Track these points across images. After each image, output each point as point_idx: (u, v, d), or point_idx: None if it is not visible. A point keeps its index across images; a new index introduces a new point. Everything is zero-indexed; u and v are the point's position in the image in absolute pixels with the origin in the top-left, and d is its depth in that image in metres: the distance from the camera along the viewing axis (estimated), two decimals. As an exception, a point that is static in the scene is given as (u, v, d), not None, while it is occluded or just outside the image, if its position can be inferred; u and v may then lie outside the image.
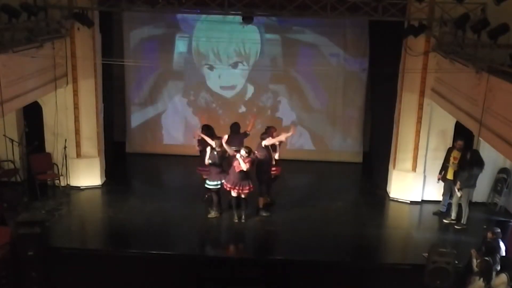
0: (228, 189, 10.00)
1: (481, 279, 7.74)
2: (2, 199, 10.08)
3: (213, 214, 10.32)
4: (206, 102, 13.79)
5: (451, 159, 10.42)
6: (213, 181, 10.10)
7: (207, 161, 9.96)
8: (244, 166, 9.73)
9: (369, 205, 11.46)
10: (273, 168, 10.52)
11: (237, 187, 9.91)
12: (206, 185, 10.21)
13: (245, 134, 10.94)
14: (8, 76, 8.29)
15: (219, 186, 10.14)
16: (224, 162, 10.21)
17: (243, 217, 10.20)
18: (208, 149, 9.99)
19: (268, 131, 10.54)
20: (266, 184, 10.45)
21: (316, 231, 10.14)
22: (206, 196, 10.59)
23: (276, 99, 13.76)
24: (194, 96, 13.78)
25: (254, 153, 10.08)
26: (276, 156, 10.43)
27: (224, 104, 13.79)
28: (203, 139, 10.38)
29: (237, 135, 10.91)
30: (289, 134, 10.33)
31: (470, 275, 8.00)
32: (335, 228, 10.31)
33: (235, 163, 9.79)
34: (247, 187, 9.95)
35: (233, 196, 10.05)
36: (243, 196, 10.05)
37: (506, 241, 8.66)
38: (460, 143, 10.39)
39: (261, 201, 10.50)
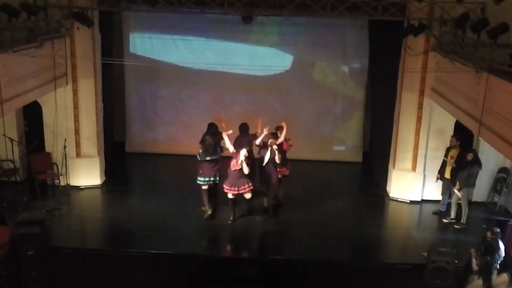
0: (226, 190, 9.93)
1: (480, 278, 7.75)
2: (2, 199, 10.09)
3: (203, 208, 10.28)
4: (207, 102, 13.80)
5: (449, 158, 10.44)
6: (204, 176, 10.03)
7: (198, 157, 9.95)
8: (246, 170, 9.69)
9: (369, 204, 11.46)
10: (279, 170, 10.47)
11: (235, 188, 9.86)
12: (197, 181, 10.17)
13: (254, 136, 10.87)
14: (8, 76, 8.29)
15: (210, 182, 10.09)
16: (218, 159, 10.15)
17: (256, 219, 10.19)
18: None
19: (277, 130, 10.53)
20: (270, 185, 10.33)
21: (315, 230, 10.15)
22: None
23: (276, 98, 13.76)
24: (195, 95, 13.78)
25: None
26: (277, 159, 10.38)
27: (225, 104, 13.78)
28: (204, 138, 10.37)
29: (245, 136, 10.89)
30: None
31: (470, 275, 8.02)
32: (335, 228, 10.32)
33: (232, 162, 9.75)
34: (246, 186, 9.90)
35: (229, 197, 10.00)
36: (246, 197, 10.02)
37: (505, 240, 8.67)
38: (452, 140, 10.43)
39: (265, 201, 10.47)
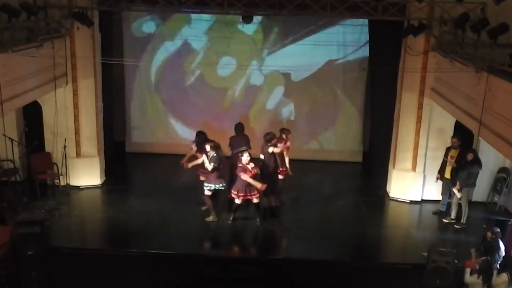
0: (234, 196, 9.89)
1: (480, 277, 7.75)
2: (2, 199, 10.08)
3: (211, 218, 10.23)
4: (206, 102, 13.79)
5: (449, 158, 10.45)
6: (211, 184, 10.00)
7: (210, 166, 9.76)
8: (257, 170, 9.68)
9: (369, 204, 11.46)
10: (281, 169, 10.52)
11: (245, 193, 9.80)
12: (204, 187, 10.11)
13: (248, 140, 10.86)
14: (8, 76, 8.29)
15: (214, 190, 10.06)
16: (223, 166, 10.09)
17: (258, 220, 10.14)
18: (204, 156, 9.91)
19: (280, 133, 10.51)
20: (271, 186, 10.31)
21: (316, 230, 10.15)
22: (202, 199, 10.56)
23: (276, 99, 13.76)
24: (194, 95, 13.78)
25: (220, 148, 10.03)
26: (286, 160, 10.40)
27: (224, 104, 13.79)
28: (201, 144, 10.32)
29: (241, 136, 10.86)
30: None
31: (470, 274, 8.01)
32: (335, 228, 10.32)
33: (241, 172, 9.67)
34: (255, 192, 9.87)
35: (236, 202, 9.95)
36: (254, 201, 9.98)
37: (505, 240, 8.68)
38: (454, 140, 10.42)
39: (266, 202, 10.41)
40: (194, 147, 10.46)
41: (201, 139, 10.49)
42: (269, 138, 10.12)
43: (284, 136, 10.71)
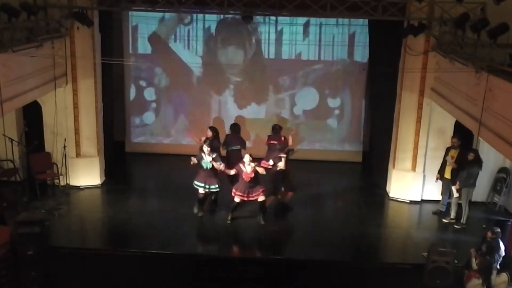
0: (234, 195, 9.91)
1: (479, 277, 7.76)
2: (1, 199, 10.06)
3: (195, 210, 10.31)
4: (206, 101, 13.79)
5: (449, 158, 10.44)
6: (202, 182, 10.07)
7: (221, 165, 9.87)
8: (262, 170, 9.71)
9: (369, 204, 11.46)
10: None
11: (248, 195, 9.83)
12: (195, 185, 10.18)
13: (242, 140, 10.98)
14: (8, 76, 8.29)
15: (207, 189, 10.12)
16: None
17: (261, 219, 10.14)
18: (208, 158, 9.94)
19: (275, 132, 10.51)
20: (275, 186, 10.38)
21: (316, 230, 10.15)
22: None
23: (276, 99, 13.76)
24: (194, 95, 13.78)
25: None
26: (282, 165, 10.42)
27: (224, 104, 13.79)
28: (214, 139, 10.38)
29: (237, 136, 10.90)
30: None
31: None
32: (335, 228, 10.32)
33: (243, 173, 9.69)
34: (259, 192, 9.89)
35: (236, 201, 9.99)
36: (259, 200, 9.99)
37: (505, 240, 8.68)
38: (454, 140, 10.43)
39: (269, 200, 10.44)
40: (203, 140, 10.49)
41: (212, 134, 10.53)
42: (284, 149, 10.40)
43: (281, 135, 10.72)
